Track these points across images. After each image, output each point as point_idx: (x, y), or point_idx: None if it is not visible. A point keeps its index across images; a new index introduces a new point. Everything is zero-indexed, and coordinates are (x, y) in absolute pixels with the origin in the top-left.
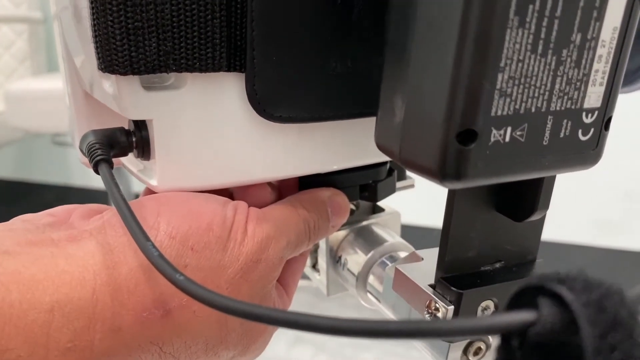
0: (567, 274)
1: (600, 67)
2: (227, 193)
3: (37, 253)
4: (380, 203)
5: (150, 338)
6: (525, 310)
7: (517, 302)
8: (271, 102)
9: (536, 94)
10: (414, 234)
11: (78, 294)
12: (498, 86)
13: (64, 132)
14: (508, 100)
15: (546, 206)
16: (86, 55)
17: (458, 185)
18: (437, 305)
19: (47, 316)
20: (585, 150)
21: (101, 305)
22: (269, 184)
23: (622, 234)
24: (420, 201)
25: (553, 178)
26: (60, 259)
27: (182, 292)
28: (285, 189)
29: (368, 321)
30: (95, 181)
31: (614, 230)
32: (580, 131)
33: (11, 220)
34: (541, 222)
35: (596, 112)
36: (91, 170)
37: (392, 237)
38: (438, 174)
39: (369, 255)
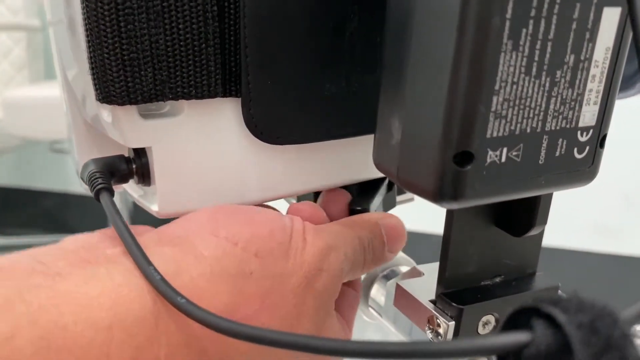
0: (561, 295)
1: (594, 87)
2: None
3: (91, 271)
4: None
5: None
6: (520, 331)
7: (512, 323)
8: (268, 125)
9: (531, 115)
10: (415, 241)
11: (138, 305)
12: (493, 108)
13: (62, 139)
14: (503, 121)
15: (544, 221)
16: (79, 68)
17: (455, 206)
18: (438, 321)
19: (106, 334)
20: (581, 167)
21: (165, 317)
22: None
23: (622, 240)
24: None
25: (550, 194)
26: (116, 274)
27: (185, 315)
28: (334, 217)
29: (365, 342)
30: None
31: (614, 236)
32: (575, 149)
33: (63, 240)
34: (540, 236)
35: (591, 131)
36: None
37: None
38: (435, 195)
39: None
